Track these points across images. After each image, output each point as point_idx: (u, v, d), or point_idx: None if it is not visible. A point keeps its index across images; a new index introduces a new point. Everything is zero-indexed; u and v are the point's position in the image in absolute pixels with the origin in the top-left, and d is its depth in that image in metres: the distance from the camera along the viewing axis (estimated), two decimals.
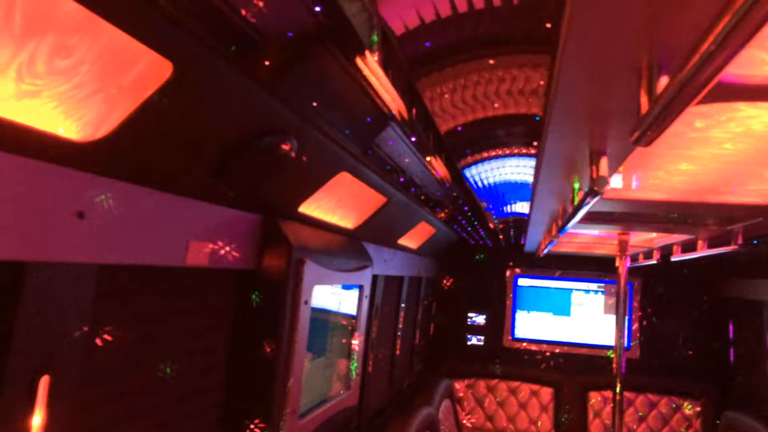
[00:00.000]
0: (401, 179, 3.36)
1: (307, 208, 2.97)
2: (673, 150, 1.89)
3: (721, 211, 3.05)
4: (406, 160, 3.00)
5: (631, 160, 2.05)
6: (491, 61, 1.85)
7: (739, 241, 3.51)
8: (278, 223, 2.63)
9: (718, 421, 6.16)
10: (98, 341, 1.80)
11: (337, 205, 3.31)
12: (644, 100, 1.17)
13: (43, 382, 1.54)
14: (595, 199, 1.93)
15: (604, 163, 1.88)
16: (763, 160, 2.01)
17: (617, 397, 4.11)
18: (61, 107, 1.37)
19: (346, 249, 3.56)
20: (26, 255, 1.42)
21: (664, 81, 1.15)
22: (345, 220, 3.62)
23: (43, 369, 1.54)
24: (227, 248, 2.34)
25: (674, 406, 7.12)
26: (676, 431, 7.05)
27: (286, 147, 2.11)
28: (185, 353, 2.28)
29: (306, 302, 2.78)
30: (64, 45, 1.23)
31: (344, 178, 2.91)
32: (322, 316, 3.32)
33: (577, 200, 2.52)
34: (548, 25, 1.19)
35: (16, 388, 1.47)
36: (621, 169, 2.19)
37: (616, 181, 2.50)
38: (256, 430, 2.55)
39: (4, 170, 1.31)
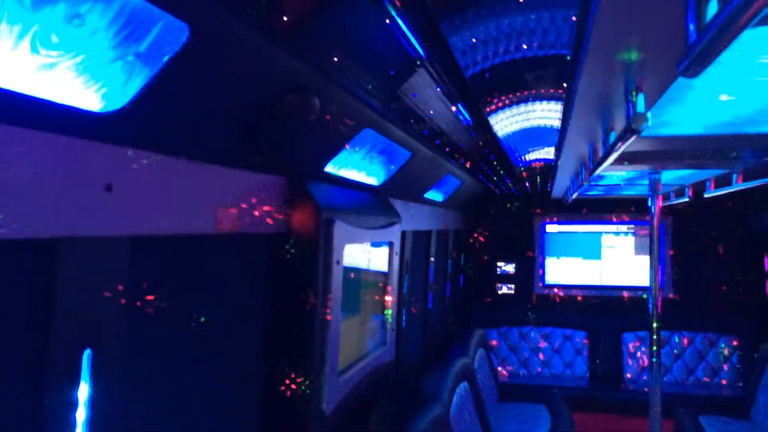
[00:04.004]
0: (425, 132, 3.28)
1: (333, 168, 2.93)
2: (714, 80, 1.80)
3: (760, 143, 2.94)
4: (431, 111, 2.92)
5: (665, 94, 1.95)
6: None
7: None
8: (305, 185, 2.59)
9: (756, 354, 6.11)
10: (137, 313, 1.80)
11: (362, 162, 3.26)
12: (692, 28, 1.09)
13: (87, 356, 1.55)
14: (632, 139, 1.85)
15: (641, 99, 1.79)
16: None
17: (654, 337, 4.06)
18: (79, 79, 1.34)
19: (373, 206, 3.52)
20: (59, 231, 1.41)
21: (714, 5, 1.07)
22: (371, 177, 3.57)
23: (85, 343, 1.55)
24: (256, 212, 2.32)
25: (710, 342, 7.08)
26: (713, 366, 7.03)
27: (309, 106, 2.05)
28: (224, 320, 2.29)
29: (338, 262, 2.76)
30: (76, 13, 1.19)
31: (368, 135, 2.86)
32: (353, 275, 3.31)
33: (611, 141, 2.43)
34: None
35: (60, 363, 1.48)
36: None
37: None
38: (298, 389, 2.57)
39: (29, 147, 1.29)
